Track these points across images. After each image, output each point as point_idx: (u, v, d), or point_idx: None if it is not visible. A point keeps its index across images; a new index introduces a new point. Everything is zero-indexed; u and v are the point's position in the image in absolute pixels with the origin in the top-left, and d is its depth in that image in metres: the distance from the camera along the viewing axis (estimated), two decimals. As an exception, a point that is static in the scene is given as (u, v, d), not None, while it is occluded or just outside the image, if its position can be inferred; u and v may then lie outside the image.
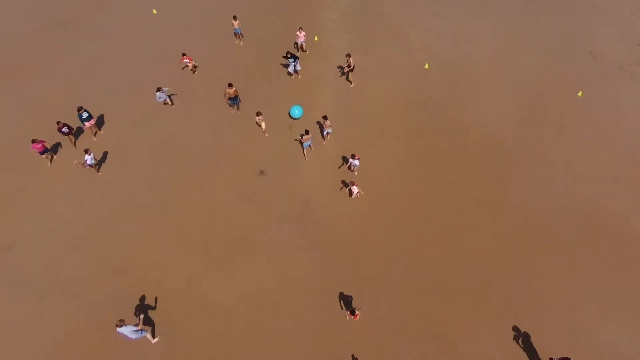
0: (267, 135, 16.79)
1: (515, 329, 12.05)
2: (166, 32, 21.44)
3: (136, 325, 11.07)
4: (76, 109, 16.61)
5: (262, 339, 11.94)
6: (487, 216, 14.37)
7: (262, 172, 15.68)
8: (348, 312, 11.72)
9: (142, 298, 12.60)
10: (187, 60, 18.88)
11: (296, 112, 17.05)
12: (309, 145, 15.83)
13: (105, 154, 16.17)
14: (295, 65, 18.40)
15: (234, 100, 17.29)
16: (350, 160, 14.89)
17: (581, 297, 12.57)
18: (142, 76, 19.01)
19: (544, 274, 13.03)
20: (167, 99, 17.51)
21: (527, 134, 16.84)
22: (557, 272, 13.06)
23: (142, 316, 10.96)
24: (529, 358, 11.57)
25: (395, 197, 14.91)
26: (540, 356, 11.53)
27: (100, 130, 16.99)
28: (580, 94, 18.26)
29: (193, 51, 20.10)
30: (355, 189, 14.31)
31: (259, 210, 14.59)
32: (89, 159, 14.69)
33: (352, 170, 15.48)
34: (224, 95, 17.06)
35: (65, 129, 15.75)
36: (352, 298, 12.44)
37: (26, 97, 18.25)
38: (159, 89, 16.89)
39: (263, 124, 16.53)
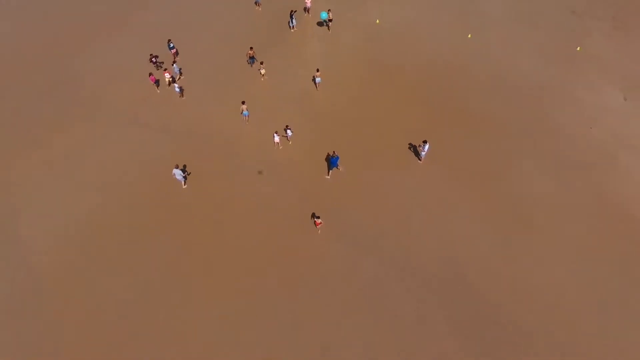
0: (264, 79, 26.62)
1: (413, 147, 23.49)
2: (204, 2, 32.54)
3: (183, 175, 21.53)
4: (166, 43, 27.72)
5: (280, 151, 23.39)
6: (408, 105, 25.82)
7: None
8: (314, 220, 19.69)
9: (202, 144, 23.95)
10: (167, 75, 25.68)
11: (324, 15, 28.64)
12: (320, 81, 26.09)
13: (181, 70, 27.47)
14: (293, 21, 29.51)
15: (252, 59, 27.72)
16: (288, 130, 23.05)
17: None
18: (194, 29, 30.16)
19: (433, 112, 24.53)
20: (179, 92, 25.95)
21: (434, 54, 28.29)
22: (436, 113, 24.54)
23: (187, 174, 21.88)
24: (417, 156, 23.02)
25: (356, 91, 26.40)
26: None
27: (177, 57, 28.13)
28: (469, 36, 29.75)
29: (223, 16, 31.18)
30: (276, 138, 22.67)
31: (275, 94, 25.91)
32: (176, 86, 25.56)
33: (288, 139, 23.46)
34: (246, 55, 27.69)
35: (153, 59, 26.88)
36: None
37: (129, 42, 29.48)
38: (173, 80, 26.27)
39: (263, 71, 26.55)
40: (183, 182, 21.82)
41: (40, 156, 23.32)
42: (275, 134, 23.12)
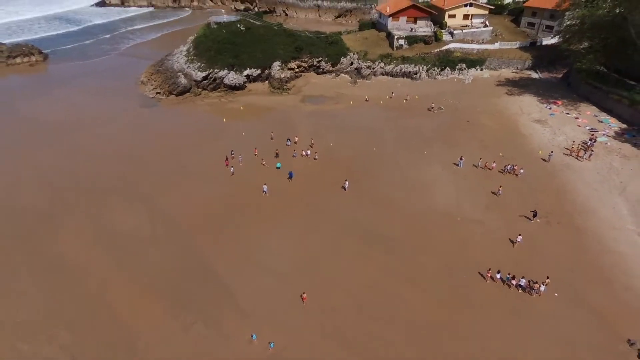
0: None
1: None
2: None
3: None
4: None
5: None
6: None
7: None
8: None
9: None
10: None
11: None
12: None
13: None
14: None
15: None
16: None
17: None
18: (241, 148, 62.12)
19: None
20: None
21: (358, 153, 59.93)
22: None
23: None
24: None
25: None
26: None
27: (233, 157, 58.90)
28: (375, 148, 62.11)
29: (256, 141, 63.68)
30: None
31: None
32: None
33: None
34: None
35: (231, 154, 57.82)
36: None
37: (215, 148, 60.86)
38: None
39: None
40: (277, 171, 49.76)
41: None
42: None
